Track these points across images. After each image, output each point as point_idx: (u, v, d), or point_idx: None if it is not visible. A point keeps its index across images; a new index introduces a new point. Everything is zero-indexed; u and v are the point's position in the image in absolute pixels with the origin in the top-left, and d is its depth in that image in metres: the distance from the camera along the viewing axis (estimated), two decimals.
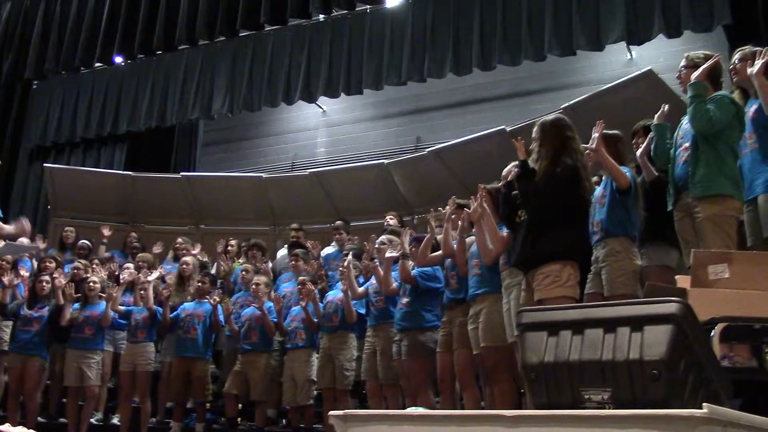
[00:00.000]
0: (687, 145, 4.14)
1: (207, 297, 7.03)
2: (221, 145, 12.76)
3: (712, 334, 2.46)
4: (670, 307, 1.89)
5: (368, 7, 10.01)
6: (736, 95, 4.23)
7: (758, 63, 4.03)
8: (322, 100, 11.21)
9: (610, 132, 4.51)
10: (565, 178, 3.90)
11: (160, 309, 7.04)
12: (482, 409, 4.87)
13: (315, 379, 6.48)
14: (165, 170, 11.18)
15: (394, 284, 5.71)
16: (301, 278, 6.83)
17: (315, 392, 6.59)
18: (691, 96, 4.03)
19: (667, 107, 4.47)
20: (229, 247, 8.40)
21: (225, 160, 12.48)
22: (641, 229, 4.40)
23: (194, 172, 11.43)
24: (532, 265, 3.86)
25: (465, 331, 4.81)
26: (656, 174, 4.55)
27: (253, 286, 6.88)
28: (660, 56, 9.04)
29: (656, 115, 4.49)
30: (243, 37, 10.76)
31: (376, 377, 5.82)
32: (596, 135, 4.16)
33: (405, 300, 5.53)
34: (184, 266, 7.61)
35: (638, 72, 7.81)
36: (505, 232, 4.51)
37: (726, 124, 4.00)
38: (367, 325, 6.08)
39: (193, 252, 8.33)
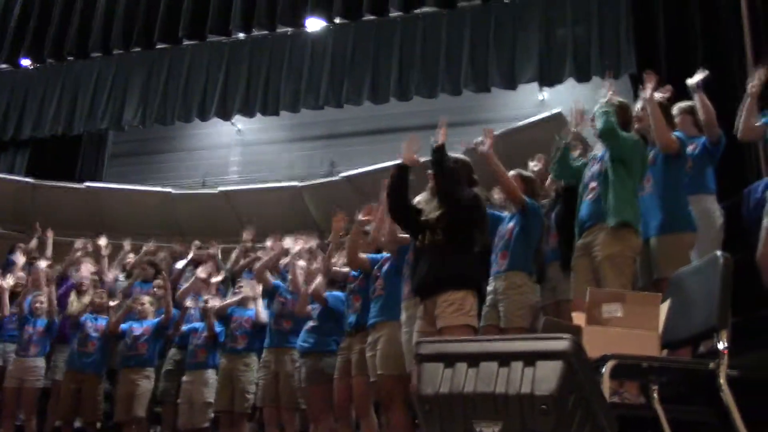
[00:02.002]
0: (594, 184, 4.27)
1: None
2: (130, 157, 12.42)
3: (603, 370, 2.53)
4: (562, 344, 1.94)
5: (289, 29, 10.02)
6: None
7: (648, 88, 4.26)
8: (238, 119, 11.10)
9: (525, 173, 4.73)
10: (470, 207, 3.94)
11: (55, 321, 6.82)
12: None
13: (212, 401, 6.32)
14: (69, 179, 10.79)
15: (309, 307, 5.64)
16: (206, 297, 6.70)
17: (212, 414, 6.42)
18: (603, 110, 4.16)
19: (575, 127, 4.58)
20: (128, 258, 8.15)
21: (133, 173, 12.13)
22: (560, 257, 4.58)
23: (100, 183, 11.08)
24: (434, 291, 3.84)
25: (364, 359, 4.79)
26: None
27: (139, 307, 6.73)
28: (570, 99, 9.36)
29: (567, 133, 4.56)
30: (160, 50, 10.57)
31: (274, 403, 5.73)
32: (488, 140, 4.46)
33: (311, 324, 5.50)
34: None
35: (548, 113, 8.07)
36: None
37: (631, 148, 4.13)
38: (265, 346, 5.99)
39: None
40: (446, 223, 3.89)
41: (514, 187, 4.55)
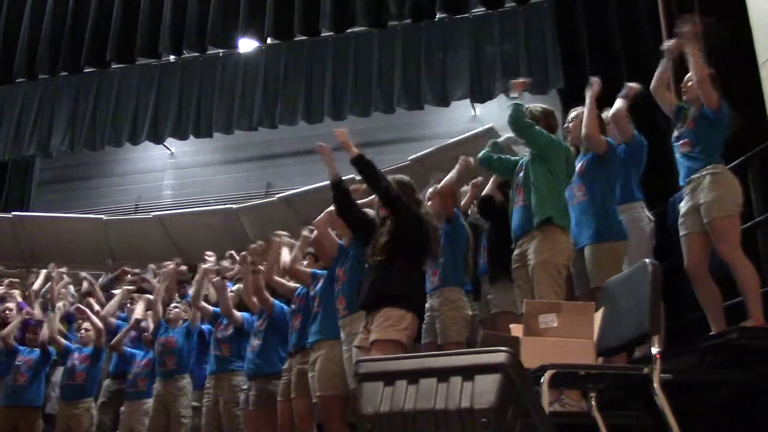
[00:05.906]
0: (521, 191, 4.33)
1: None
2: (59, 184, 12.11)
3: (541, 380, 2.56)
4: (499, 357, 1.95)
5: (221, 51, 9.93)
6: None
7: (592, 90, 4.38)
8: (171, 142, 10.94)
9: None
10: (416, 231, 3.96)
11: None
12: None
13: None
14: None
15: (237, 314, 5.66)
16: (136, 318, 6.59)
17: None
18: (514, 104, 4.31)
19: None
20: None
21: (63, 200, 11.83)
22: (492, 267, 4.64)
23: (28, 211, 10.76)
24: (376, 306, 3.84)
25: (303, 379, 4.74)
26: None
27: (83, 332, 6.62)
28: (501, 114, 9.51)
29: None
30: (87, 73, 10.33)
31: (217, 430, 5.61)
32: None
33: (256, 342, 5.41)
34: (6, 312, 7.09)
35: (480, 128, 8.21)
36: None
37: (549, 145, 4.22)
38: (207, 373, 5.87)
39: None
40: (390, 245, 3.92)
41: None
